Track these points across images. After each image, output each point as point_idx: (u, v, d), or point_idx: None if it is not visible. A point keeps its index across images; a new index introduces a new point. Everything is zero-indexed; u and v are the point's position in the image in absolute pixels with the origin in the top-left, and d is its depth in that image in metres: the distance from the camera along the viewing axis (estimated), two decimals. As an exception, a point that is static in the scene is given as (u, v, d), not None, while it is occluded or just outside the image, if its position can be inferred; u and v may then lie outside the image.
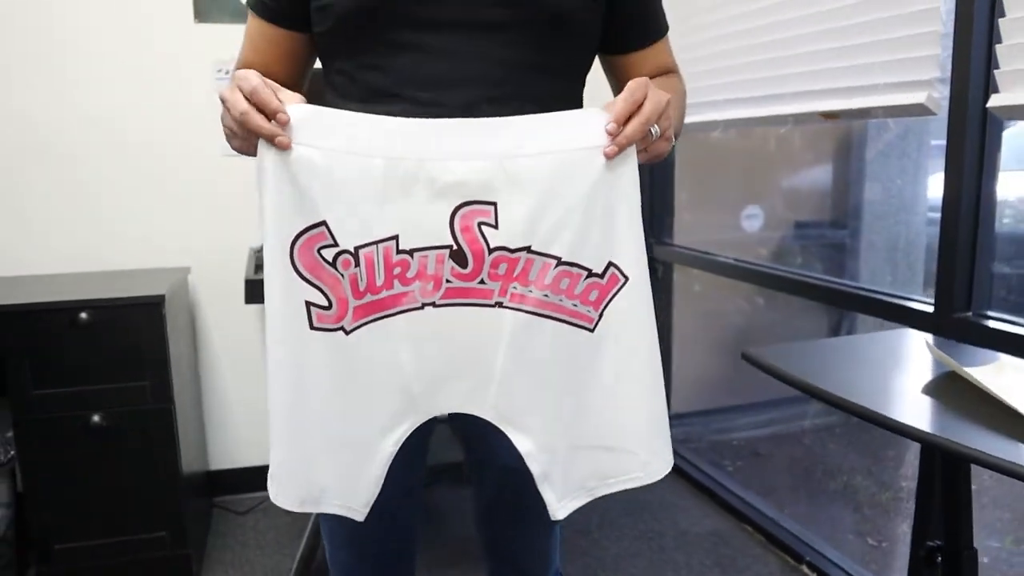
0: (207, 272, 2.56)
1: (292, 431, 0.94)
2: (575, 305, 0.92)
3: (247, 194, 2.55)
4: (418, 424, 0.96)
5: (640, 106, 0.89)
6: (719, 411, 3.29)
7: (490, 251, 0.89)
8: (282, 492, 0.96)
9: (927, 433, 1.04)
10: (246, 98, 0.86)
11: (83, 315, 1.95)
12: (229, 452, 2.70)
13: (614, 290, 0.93)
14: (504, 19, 0.98)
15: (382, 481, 0.95)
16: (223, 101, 0.88)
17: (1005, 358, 1.36)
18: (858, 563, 2.16)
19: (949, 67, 1.61)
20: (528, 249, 0.90)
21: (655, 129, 0.91)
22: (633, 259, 0.93)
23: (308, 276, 0.89)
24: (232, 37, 2.45)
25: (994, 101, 1.51)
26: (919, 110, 1.68)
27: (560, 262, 0.90)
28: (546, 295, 0.91)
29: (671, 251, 2.85)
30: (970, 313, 1.66)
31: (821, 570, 2.13)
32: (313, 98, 0.95)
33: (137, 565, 2.09)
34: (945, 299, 1.69)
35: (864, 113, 1.88)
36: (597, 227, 0.91)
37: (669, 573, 2.19)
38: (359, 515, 0.96)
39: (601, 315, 0.93)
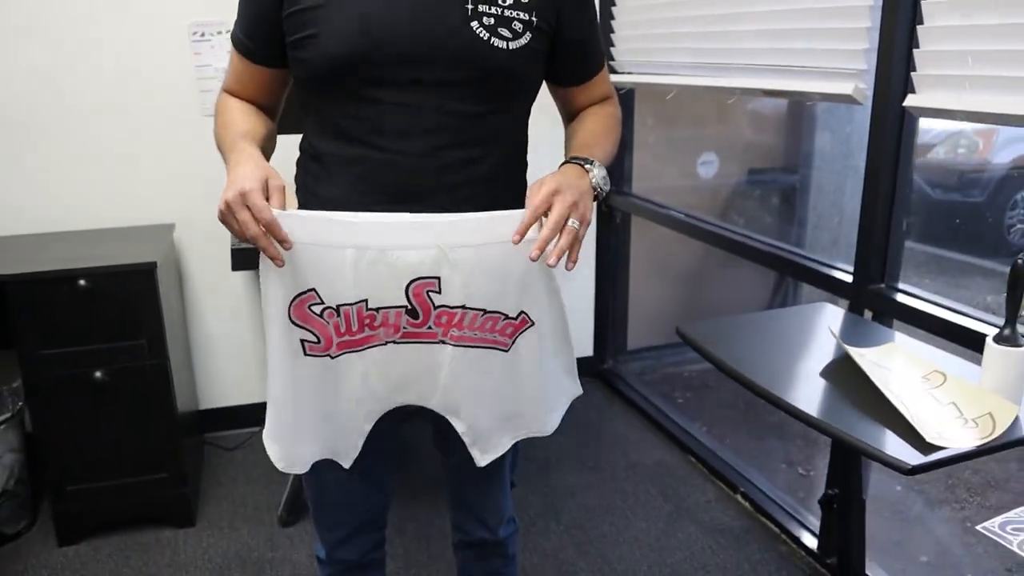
0: (191, 227, 2.71)
1: (289, 419, 1.24)
2: (495, 336, 1.21)
3: (226, 152, 2.67)
4: (385, 410, 1.25)
5: (549, 208, 1.07)
6: (674, 346, 3.52)
7: (435, 308, 1.17)
8: (285, 459, 1.27)
9: (814, 418, 1.26)
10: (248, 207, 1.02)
11: (82, 282, 2.10)
12: (217, 391, 2.91)
13: (523, 328, 1.22)
14: (457, 77, 1.15)
15: (361, 444, 1.26)
16: (227, 208, 1.03)
17: (899, 339, 1.58)
18: (786, 492, 2.44)
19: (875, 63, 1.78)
20: (463, 306, 1.17)
21: (572, 222, 1.08)
22: (540, 311, 1.21)
23: (301, 324, 1.16)
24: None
25: (910, 101, 1.69)
26: (847, 99, 1.85)
27: (485, 312, 1.18)
28: (475, 333, 1.20)
29: (629, 201, 3.03)
30: (883, 285, 1.88)
31: (752, 499, 2.40)
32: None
33: (142, 504, 2.32)
34: (862, 270, 1.90)
35: (801, 95, 2.05)
36: (513, 290, 1.17)
37: (618, 501, 2.45)
38: (346, 462, 1.28)
39: (514, 342, 1.22)
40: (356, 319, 1.16)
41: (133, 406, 2.23)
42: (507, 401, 1.27)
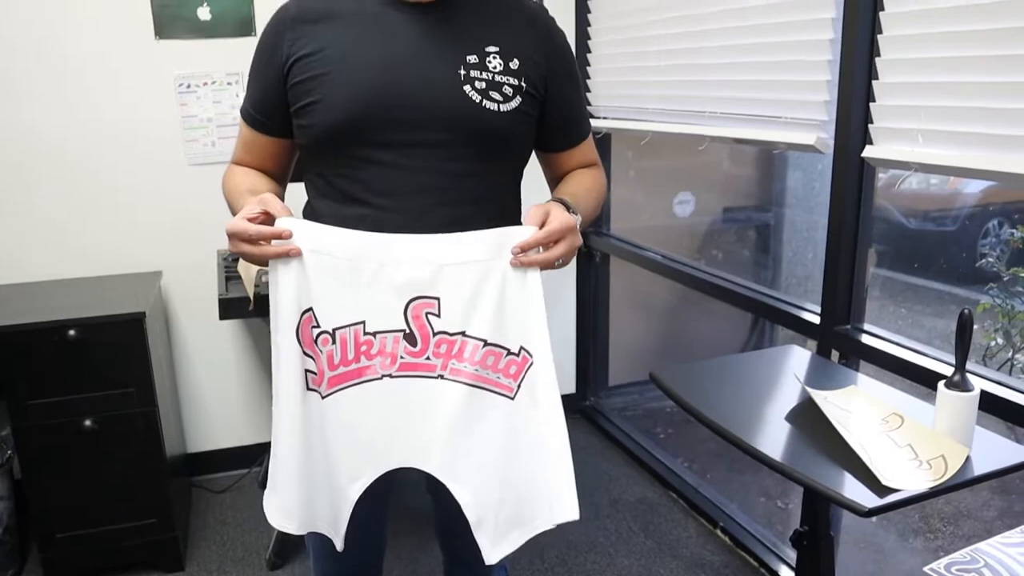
0: (178, 275, 2.76)
1: (290, 472, 1.23)
2: (499, 377, 1.19)
3: (212, 200, 2.72)
4: (376, 476, 1.22)
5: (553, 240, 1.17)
6: (655, 380, 3.59)
7: (434, 334, 1.17)
8: (280, 517, 1.25)
9: (779, 463, 1.32)
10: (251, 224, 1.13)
11: (71, 332, 2.15)
12: (204, 435, 2.94)
13: (526, 367, 1.19)
14: (449, 139, 1.23)
15: (348, 516, 1.22)
16: (232, 235, 1.14)
17: (862, 380, 1.65)
18: (765, 525, 2.50)
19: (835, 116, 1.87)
20: (463, 333, 1.17)
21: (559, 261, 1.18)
22: (538, 343, 1.19)
23: (306, 349, 1.17)
24: (191, 52, 2.64)
25: (868, 152, 1.77)
26: (811, 149, 1.94)
27: (486, 343, 1.18)
28: (476, 369, 1.18)
29: (607, 242, 3.11)
30: (849, 326, 1.95)
31: (732, 534, 2.45)
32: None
33: (132, 549, 2.34)
34: (829, 312, 1.98)
35: (768, 144, 2.14)
36: (511, 319, 1.18)
37: (600, 538, 2.50)
38: (337, 540, 1.25)
39: (519, 386, 1.20)
40: (353, 345, 1.15)
41: (122, 453, 2.27)
42: (515, 471, 1.21)
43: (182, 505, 2.60)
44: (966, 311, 1.29)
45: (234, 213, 1.22)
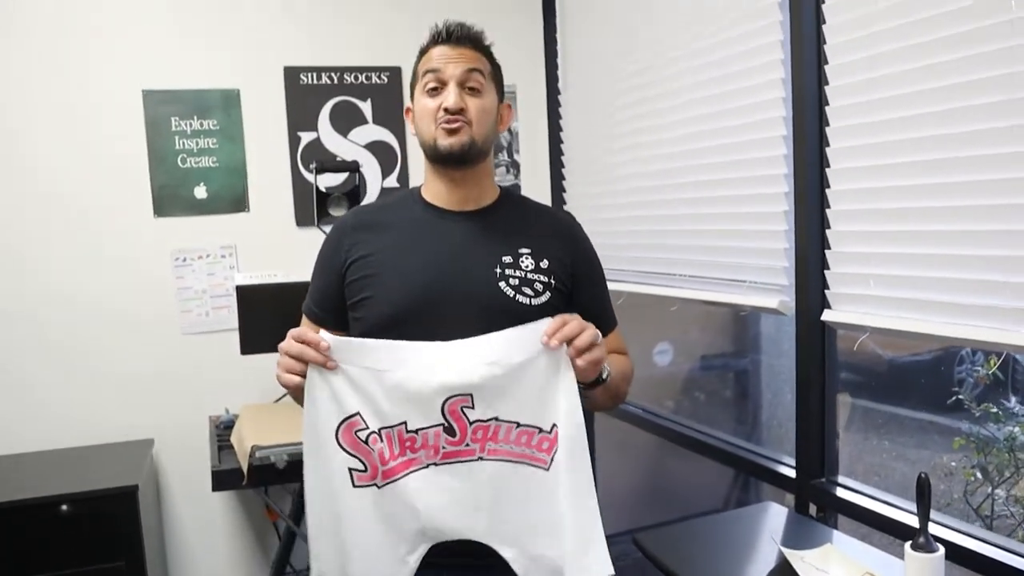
0: (170, 443, 2.80)
1: (340, 556, 1.31)
2: (533, 452, 1.30)
3: (205, 368, 2.82)
4: (429, 546, 1.32)
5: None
6: (646, 528, 3.58)
7: (470, 423, 1.29)
8: None
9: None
10: (297, 341, 1.28)
11: (64, 507, 2.18)
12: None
13: (559, 441, 1.29)
14: (487, 329, 1.33)
15: None
16: (282, 350, 1.29)
17: (838, 538, 1.71)
18: None
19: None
20: (496, 419, 1.29)
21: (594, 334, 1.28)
22: (570, 421, 1.28)
23: (350, 450, 1.28)
24: (187, 229, 2.78)
25: (827, 316, 1.89)
26: (775, 311, 2.07)
27: (519, 425, 1.29)
28: (512, 447, 1.30)
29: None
30: (824, 479, 2.02)
31: None
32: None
33: None
34: (804, 466, 2.05)
35: (735, 307, 2.26)
36: (542, 403, 1.29)
37: None
38: None
39: (552, 458, 1.29)
40: (398, 442, 1.28)
41: (112, 627, 2.25)
42: (550, 531, 1.29)
43: None
44: (922, 475, 1.37)
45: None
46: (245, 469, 2.15)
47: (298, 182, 2.92)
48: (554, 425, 1.29)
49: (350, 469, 1.29)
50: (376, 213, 1.54)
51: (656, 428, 2.73)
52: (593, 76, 2.90)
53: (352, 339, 1.33)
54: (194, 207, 2.80)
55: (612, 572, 1.30)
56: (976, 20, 1.48)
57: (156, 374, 2.78)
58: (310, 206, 2.64)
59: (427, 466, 1.30)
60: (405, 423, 1.28)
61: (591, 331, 1.30)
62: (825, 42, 1.84)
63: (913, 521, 1.68)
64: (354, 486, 1.29)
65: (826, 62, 1.84)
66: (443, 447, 1.29)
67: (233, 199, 2.84)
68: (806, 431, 2.03)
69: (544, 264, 1.44)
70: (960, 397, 3.76)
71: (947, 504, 3.71)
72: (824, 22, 1.85)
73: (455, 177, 1.46)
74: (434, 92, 1.42)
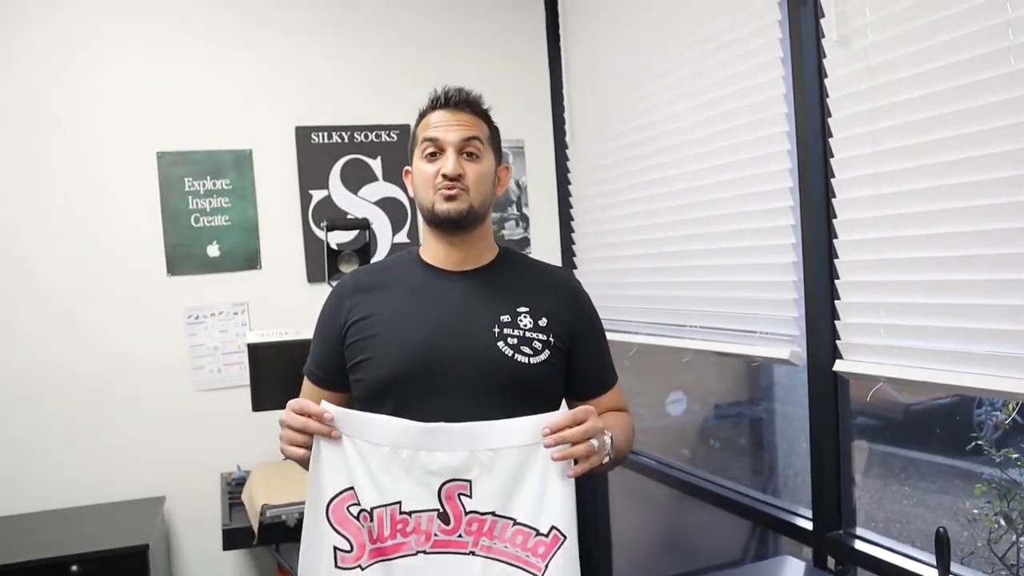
0: (181, 500, 2.79)
1: None
2: (528, 556, 1.26)
3: (216, 425, 2.82)
4: None
5: (579, 423, 1.25)
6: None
7: (466, 513, 1.25)
8: None
9: None
10: (298, 413, 1.27)
11: (74, 567, 2.17)
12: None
13: (556, 547, 1.25)
14: (484, 388, 1.36)
15: None
16: (283, 423, 1.28)
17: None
18: None
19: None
20: (493, 513, 1.26)
21: (595, 442, 1.26)
22: (568, 524, 1.25)
23: (338, 528, 1.25)
24: (199, 287, 2.81)
25: (839, 366, 1.88)
26: (786, 362, 2.05)
27: (515, 522, 1.26)
28: (506, 547, 1.26)
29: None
30: (841, 532, 1.98)
31: None
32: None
33: None
34: (820, 519, 2.01)
35: (747, 358, 2.25)
36: (541, 500, 1.26)
37: None
38: None
39: (547, 566, 1.25)
40: (389, 523, 1.25)
41: None
42: None
43: None
44: (941, 530, 1.35)
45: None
46: (256, 528, 2.14)
47: (309, 239, 2.95)
48: (553, 528, 1.25)
49: (335, 548, 1.26)
50: (375, 274, 1.55)
51: (670, 480, 2.70)
52: (600, 129, 2.94)
53: (355, 412, 1.31)
54: (207, 265, 2.83)
55: None
56: (983, 69, 1.50)
57: (168, 430, 2.79)
58: (321, 263, 2.66)
59: (416, 553, 1.27)
60: (400, 503, 1.26)
61: (585, 446, 1.26)
62: (828, 95, 1.86)
63: (935, 574, 1.65)
64: (336, 566, 1.26)
65: (829, 115, 1.86)
66: (435, 534, 1.26)
67: (245, 257, 2.87)
68: (822, 482, 2.00)
69: (543, 322, 1.44)
70: (980, 443, 3.70)
71: (970, 553, 3.63)
72: (826, 75, 1.87)
73: (453, 240, 1.47)
74: (432, 157, 1.44)
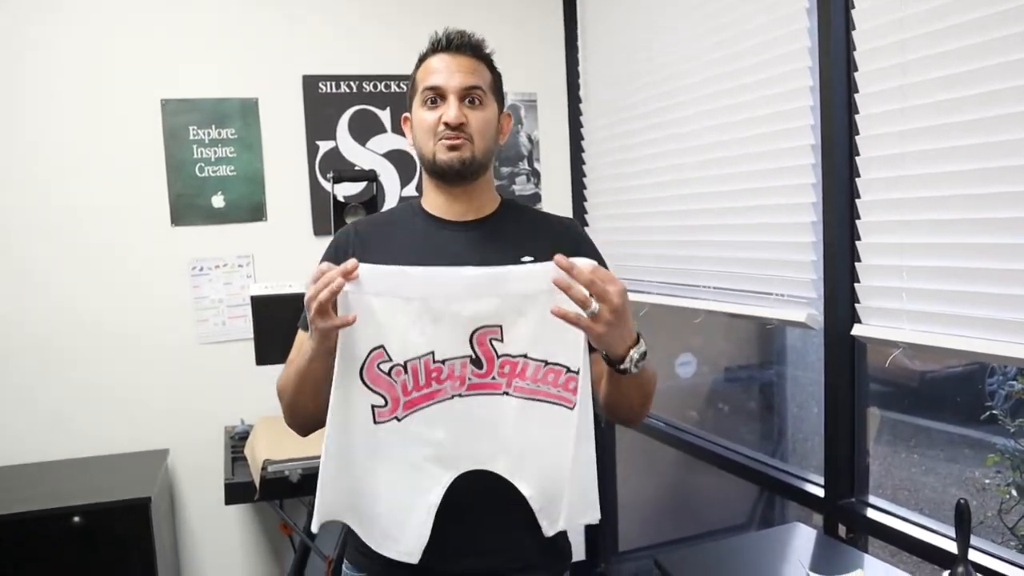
0: (185, 453, 2.78)
1: (351, 496, 1.28)
2: (560, 392, 1.27)
3: (221, 377, 2.79)
4: (450, 482, 1.28)
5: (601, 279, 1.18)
6: (666, 544, 3.51)
7: (498, 357, 1.26)
8: (363, 532, 1.30)
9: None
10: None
11: (76, 519, 2.15)
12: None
13: (581, 381, 1.25)
14: None
15: (430, 527, 1.27)
16: (309, 300, 1.18)
17: (869, 563, 1.64)
18: None
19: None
20: (525, 356, 1.26)
21: (596, 306, 1.15)
22: (585, 364, 1.25)
23: (372, 386, 1.25)
24: (204, 239, 2.76)
25: (857, 330, 1.83)
26: (802, 325, 2.00)
27: (546, 363, 1.26)
28: (538, 385, 1.27)
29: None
30: (853, 499, 1.94)
31: None
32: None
33: None
34: (832, 486, 1.97)
35: (761, 320, 2.20)
36: (569, 344, 1.24)
37: None
38: (414, 558, 1.27)
39: (579, 398, 1.25)
40: (424, 373, 1.25)
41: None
42: (567, 471, 1.27)
43: None
44: (962, 501, 1.30)
45: (302, 360, 1.28)
46: (257, 483, 2.11)
47: (316, 191, 2.90)
48: (579, 368, 1.25)
49: (372, 406, 1.25)
50: (376, 225, 1.51)
51: (678, 442, 2.66)
52: (615, 83, 2.85)
53: (383, 266, 1.24)
54: (211, 216, 2.78)
55: (599, 518, 1.28)
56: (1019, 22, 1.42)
57: (172, 383, 2.76)
58: (328, 215, 2.61)
59: (452, 397, 1.27)
60: (432, 353, 1.25)
61: (581, 293, 1.16)
62: (855, 48, 1.78)
63: (949, 545, 1.61)
64: (375, 423, 1.26)
65: (856, 69, 1.78)
66: (469, 378, 1.27)
67: (251, 208, 2.82)
68: (835, 449, 1.96)
69: None
70: (995, 412, 3.65)
71: (980, 522, 3.61)
72: (854, 27, 1.79)
73: (455, 191, 1.42)
74: (433, 104, 1.38)
